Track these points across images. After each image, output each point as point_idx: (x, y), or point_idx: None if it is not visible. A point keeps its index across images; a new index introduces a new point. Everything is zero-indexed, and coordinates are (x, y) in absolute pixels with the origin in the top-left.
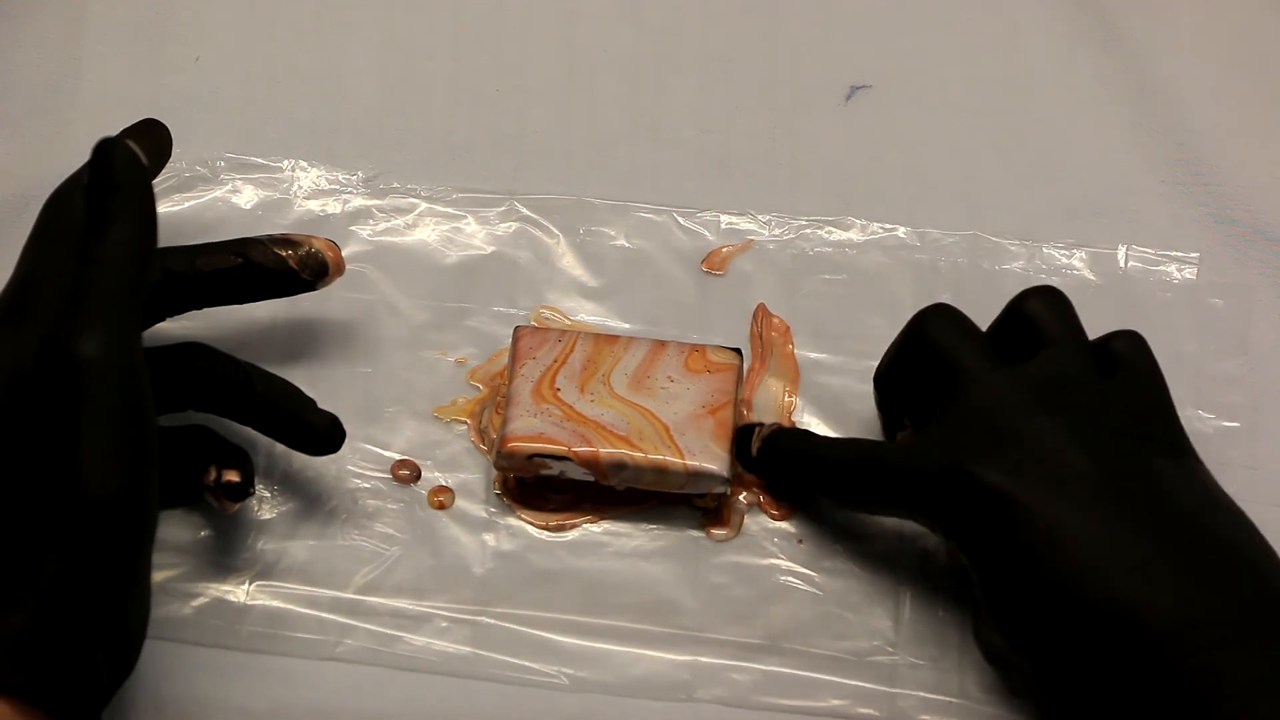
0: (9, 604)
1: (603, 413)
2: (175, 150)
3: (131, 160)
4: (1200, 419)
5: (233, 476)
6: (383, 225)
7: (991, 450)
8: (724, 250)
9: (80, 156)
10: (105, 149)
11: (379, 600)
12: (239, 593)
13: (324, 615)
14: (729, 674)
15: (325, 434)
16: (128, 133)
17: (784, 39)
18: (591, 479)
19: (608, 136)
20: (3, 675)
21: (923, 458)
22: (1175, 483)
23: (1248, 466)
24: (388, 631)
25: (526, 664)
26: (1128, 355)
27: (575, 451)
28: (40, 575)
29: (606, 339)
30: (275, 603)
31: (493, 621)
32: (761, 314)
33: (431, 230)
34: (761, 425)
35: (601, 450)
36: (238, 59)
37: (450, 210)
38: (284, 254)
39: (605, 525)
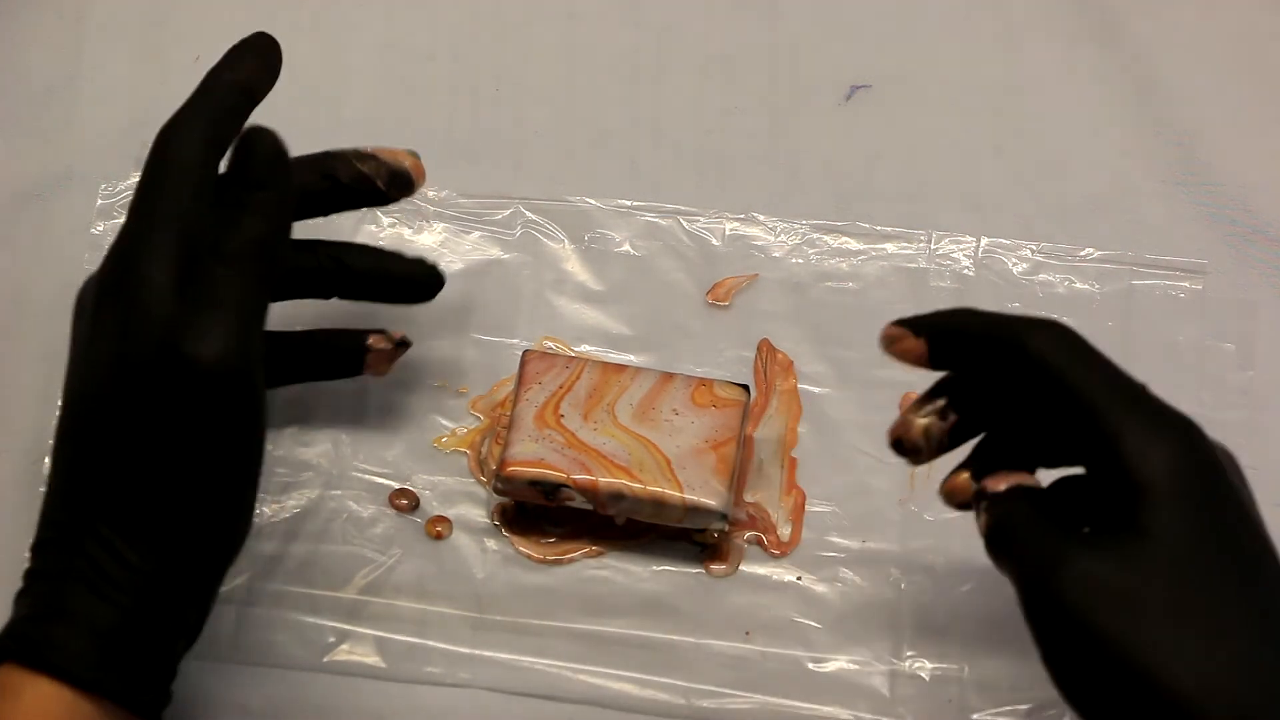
0: (102, 599)
1: (605, 442)
2: None
3: (279, 156)
4: (1201, 417)
5: (396, 334)
6: (389, 230)
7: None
8: (729, 282)
9: (80, 156)
10: (255, 140)
11: (381, 601)
12: (230, 611)
13: (322, 622)
14: (726, 703)
15: (425, 284)
16: (243, 51)
17: (784, 39)
18: (590, 508)
19: (608, 136)
20: (89, 674)
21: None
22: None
23: (1248, 466)
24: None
25: (523, 670)
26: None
27: (574, 479)
28: (136, 571)
29: (614, 368)
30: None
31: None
32: (765, 349)
33: (438, 235)
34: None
35: (601, 479)
36: None
37: (456, 214)
38: (368, 170)
39: (604, 559)
